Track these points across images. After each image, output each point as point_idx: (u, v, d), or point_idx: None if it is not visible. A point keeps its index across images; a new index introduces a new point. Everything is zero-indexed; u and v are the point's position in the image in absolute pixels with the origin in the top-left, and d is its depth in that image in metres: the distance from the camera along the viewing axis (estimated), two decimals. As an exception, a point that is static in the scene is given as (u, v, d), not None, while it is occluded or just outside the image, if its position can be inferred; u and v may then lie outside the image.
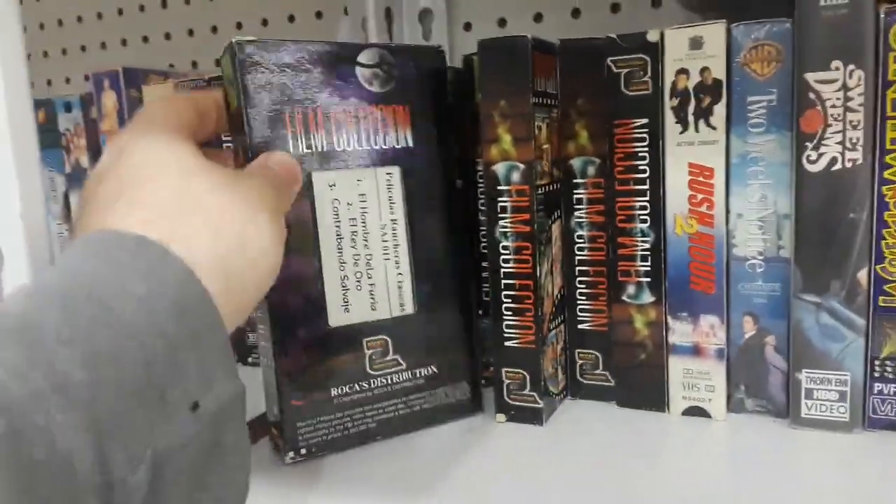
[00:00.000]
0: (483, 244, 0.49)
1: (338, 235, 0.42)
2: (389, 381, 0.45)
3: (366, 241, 0.43)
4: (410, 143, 0.44)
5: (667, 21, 0.62)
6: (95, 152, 0.63)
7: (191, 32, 0.87)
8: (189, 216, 0.28)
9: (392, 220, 0.44)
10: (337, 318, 0.43)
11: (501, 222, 0.45)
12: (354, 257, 0.43)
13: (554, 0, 0.66)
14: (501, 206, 0.45)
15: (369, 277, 0.43)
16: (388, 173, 0.44)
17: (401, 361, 0.45)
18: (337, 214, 0.42)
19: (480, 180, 0.50)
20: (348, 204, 0.42)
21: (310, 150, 0.41)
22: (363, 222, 0.43)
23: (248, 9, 0.84)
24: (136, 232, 0.26)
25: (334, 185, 0.42)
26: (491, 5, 0.68)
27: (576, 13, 0.65)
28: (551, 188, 0.47)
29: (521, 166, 0.44)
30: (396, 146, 0.44)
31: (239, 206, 0.30)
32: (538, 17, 0.67)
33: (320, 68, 0.41)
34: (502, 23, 0.68)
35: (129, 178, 0.29)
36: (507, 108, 0.44)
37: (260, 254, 0.30)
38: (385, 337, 0.44)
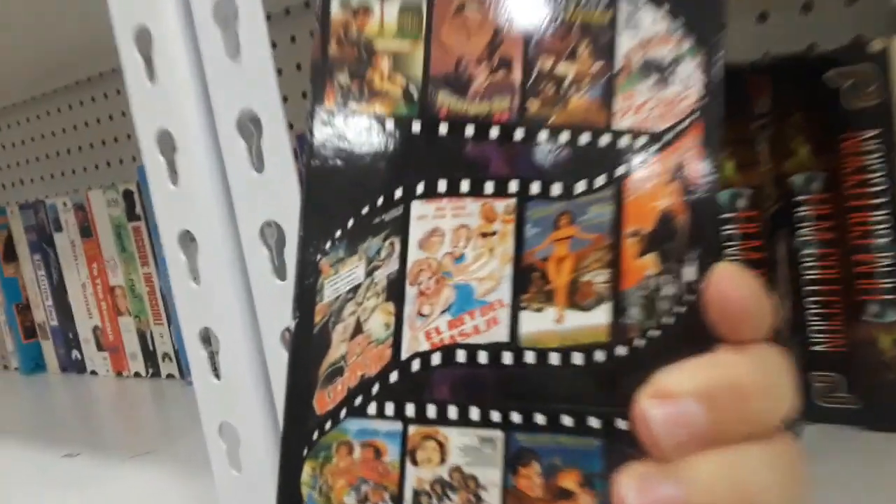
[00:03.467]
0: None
1: None
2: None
3: None
4: None
5: (861, 20, 0.59)
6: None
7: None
8: None
9: None
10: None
11: (729, 251, 0.44)
12: None
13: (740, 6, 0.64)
14: (727, 235, 0.44)
15: None
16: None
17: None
18: None
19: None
20: None
21: None
22: None
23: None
24: None
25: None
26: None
27: (762, 17, 0.64)
28: (775, 208, 0.46)
29: (748, 192, 0.43)
30: None
31: None
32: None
33: None
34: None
35: None
36: (727, 134, 0.43)
37: None
38: None
